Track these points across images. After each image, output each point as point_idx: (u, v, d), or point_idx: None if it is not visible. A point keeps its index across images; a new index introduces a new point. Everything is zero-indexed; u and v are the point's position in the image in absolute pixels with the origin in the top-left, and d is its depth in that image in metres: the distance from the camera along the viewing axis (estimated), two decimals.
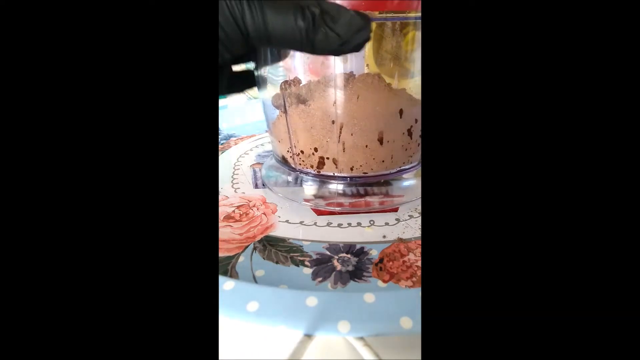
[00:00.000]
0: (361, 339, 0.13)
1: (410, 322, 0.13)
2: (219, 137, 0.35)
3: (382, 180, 0.22)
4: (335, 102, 0.19)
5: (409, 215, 0.22)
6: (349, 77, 0.19)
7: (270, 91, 0.22)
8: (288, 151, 0.23)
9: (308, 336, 0.13)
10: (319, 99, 0.20)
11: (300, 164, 0.23)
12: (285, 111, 0.21)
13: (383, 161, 0.21)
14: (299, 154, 0.22)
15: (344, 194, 0.23)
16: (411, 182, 0.24)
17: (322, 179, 0.23)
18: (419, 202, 0.23)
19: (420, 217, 0.22)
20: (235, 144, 0.34)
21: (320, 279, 0.17)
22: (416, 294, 0.14)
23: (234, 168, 0.29)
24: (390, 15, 0.18)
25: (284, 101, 0.21)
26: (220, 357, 0.13)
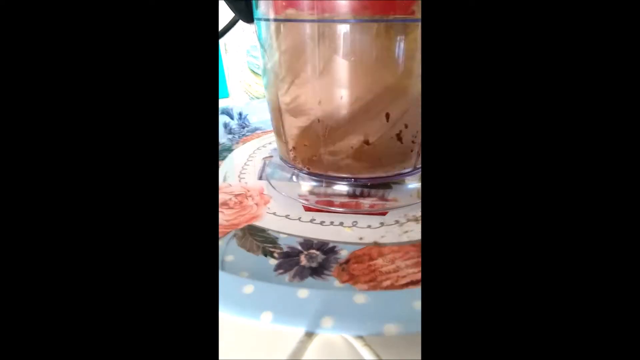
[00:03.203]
0: (361, 339, 0.14)
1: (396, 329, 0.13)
2: (246, 129, 0.37)
3: (370, 184, 0.22)
4: (320, 101, 0.20)
5: (395, 221, 0.21)
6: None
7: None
8: (284, 147, 0.24)
9: (308, 335, 0.14)
10: (306, 96, 0.20)
11: (293, 160, 0.23)
12: (279, 107, 0.22)
13: (371, 165, 0.21)
14: (292, 149, 0.23)
15: (339, 194, 0.23)
16: (412, 187, 0.24)
17: (319, 178, 0.24)
18: (411, 208, 0.22)
19: (406, 224, 0.21)
20: (259, 136, 0.35)
21: (281, 270, 0.18)
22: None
23: (247, 158, 0.30)
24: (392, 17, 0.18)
25: (277, 97, 0.22)
26: (220, 357, 0.14)
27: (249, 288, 0.14)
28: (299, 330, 0.13)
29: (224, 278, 0.15)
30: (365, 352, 0.13)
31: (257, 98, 0.47)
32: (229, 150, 0.32)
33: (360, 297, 0.14)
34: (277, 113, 0.22)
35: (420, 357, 0.09)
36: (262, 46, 0.22)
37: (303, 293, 0.14)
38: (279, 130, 0.23)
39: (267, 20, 0.20)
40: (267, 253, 0.19)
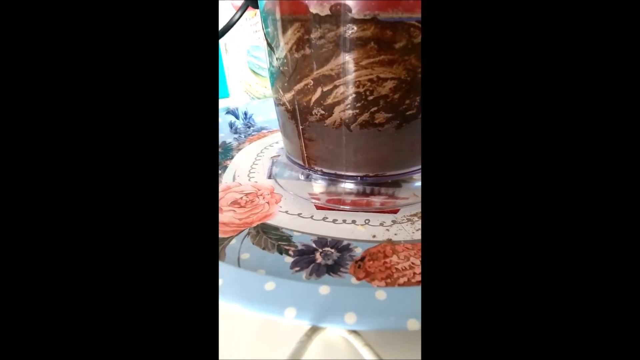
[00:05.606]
0: (361, 338, 0.14)
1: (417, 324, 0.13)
2: (251, 129, 0.37)
3: (378, 182, 0.22)
4: (337, 101, 0.20)
5: (407, 219, 0.22)
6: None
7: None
8: (292, 146, 0.24)
9: (308, 335, 0.14)
10: (319, 96, 0.20)
11: (303, 160, 0.23)
12: (288, 107, 0.22)
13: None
14: (302, 148, 0.23)
15: (349, 192, 0.23)
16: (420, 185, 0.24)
17: (327, 176, 0.24)
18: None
19: (418, 222, 0.21)
20: (265, 136, 0.35)
21: (297, 268, 0.18)
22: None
23: (255, 158, 0.30)
24: (399, 15, 0.18)
25: (286, 97, 0.22)
26: (220, 357, 0.14)
27: (270, 285, 0.14)
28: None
29: (243, 275, 0.15)
30: (365, 352, 0.13)
31: (257, 98, 0.47)
32: (237, 149, 0.32)
33: (382, 294, 0.14)
34: (286, 113, 0.22)
35: (420, 357, 0.09)
36: (269, 45, 0.22)
37: (324, 289, 0.14)
38: (287, 131, 0.23)
39: (275, 19, 0.20)
40: (282, 251, 0.19)
